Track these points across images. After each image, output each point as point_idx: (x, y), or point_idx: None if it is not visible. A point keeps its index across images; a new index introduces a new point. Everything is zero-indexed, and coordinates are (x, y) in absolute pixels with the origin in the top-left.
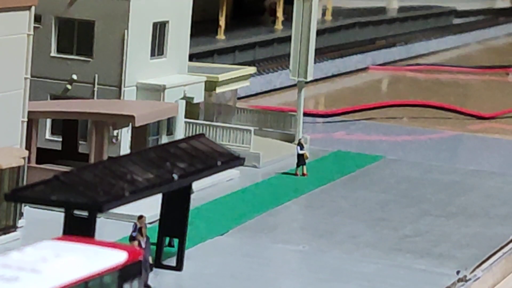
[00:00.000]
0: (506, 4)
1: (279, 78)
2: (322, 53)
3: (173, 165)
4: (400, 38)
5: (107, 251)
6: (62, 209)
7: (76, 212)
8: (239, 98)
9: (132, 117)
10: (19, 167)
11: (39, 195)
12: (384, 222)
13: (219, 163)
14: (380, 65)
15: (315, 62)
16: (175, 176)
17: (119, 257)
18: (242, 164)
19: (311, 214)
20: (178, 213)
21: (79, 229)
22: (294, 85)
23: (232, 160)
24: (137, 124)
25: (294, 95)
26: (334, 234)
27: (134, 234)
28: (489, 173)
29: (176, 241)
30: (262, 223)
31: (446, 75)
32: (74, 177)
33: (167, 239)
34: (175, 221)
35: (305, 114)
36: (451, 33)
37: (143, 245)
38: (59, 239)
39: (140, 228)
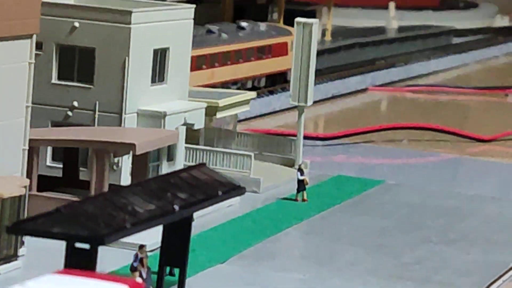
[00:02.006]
0: (505, 23)
1: (278, 101)
2: (322, 74)
3: (174, 195)
4: (400, 59)
5: (109, 284)
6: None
7: (78, 244)
8: (239, 121)
9: (133, 145)
10: (20, 196)
11: (41, 227)
12: (384, 249)
13: (220, 193)
14: (379, 86)
15: (314, 84)
16: (176, 207)
17: None
18: (243, 194)
19: (311, 241)
20: (179, 242)
21: (80, 262)
22: (295, 107)
23: (233, 190)
24: (137, 153)
25: (294, 116)
26: (334, 261)
27: (135, 264)
28: (488, 198)
29: (177, 271)
30: (262, 251)
31: (446, 96)
32: (75, 210)
33: (168, 269)
34: (176, 251)
35: (305, 137)
36: (451, 53)
37: (144, 276)
38: (60, 272)
39: (141, 259)
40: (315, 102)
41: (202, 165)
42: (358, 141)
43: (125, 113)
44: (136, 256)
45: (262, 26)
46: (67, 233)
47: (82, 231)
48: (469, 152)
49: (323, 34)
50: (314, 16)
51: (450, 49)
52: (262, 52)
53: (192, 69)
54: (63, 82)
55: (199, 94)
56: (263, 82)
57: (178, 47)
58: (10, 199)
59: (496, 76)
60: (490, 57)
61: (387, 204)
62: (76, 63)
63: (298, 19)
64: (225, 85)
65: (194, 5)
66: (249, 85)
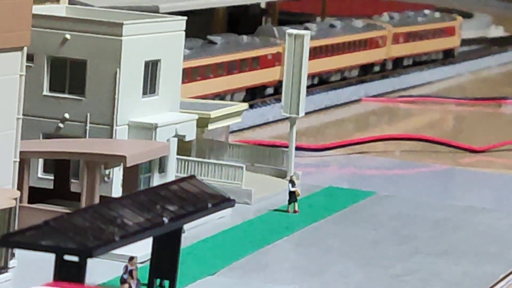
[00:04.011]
0: (499, 33)
1: (271, 111)
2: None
3: (164, 208)
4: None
5: None
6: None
7: (67, 256)
8: (232, 132)
9: (124, 157)
10: (10, 208)
11: (30, 240)
12: (375, 261)
13: (209, 205)
14: (373, 96)
15: (307, 95)
16: (166, 220)
17: None
18: (233, 206)
19: (302, 253)
20: (169, 254)
21: (69, 274)
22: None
23: (223, 202)
24: (128, 165)
25: (287, 127)
26: (325, 273)
27: (125, 276)
28: (480, 210)
29: (167, 283)
30: (253, 262)
31: (439, 107)
32: (64, 222)
33: (158, 281)
34: (166, 263)
35: (298, 148)
36: (444, 63)
37: None
38: (49, 285)
39: (131, 271)
40: (308, 113)
41: (192, 177)
42: (350, 152)
43: (116, 125)
44: (126, 268)
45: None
46: (56, 246)
47: (71, 243)
48: (461, 163)
49: None
50: (306, 27)
51: (444, 60)
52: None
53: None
54: (54, 94)
55: (190, 105)
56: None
57: (169, 59)
58: (0, 212)
59: (490, 87)
60: (484, 67)
61: (378, 215)
62: (68, 75)
63: (289, 30)
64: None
65: (185, 17)
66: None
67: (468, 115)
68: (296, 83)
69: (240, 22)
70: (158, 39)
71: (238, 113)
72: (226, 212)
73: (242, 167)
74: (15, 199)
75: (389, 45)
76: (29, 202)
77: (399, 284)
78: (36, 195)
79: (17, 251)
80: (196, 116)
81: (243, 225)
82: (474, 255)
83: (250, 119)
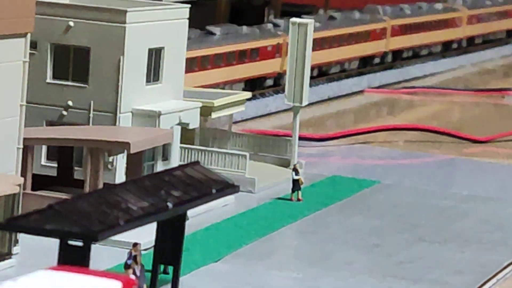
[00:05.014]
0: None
1: (274, 102)
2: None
3: (168, 193)
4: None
5: (102, 281)
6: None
7: (71, 241)
8: (235, 122)
9: (128, 144)
10: (14, 194)
11: (34, 224)
12: (379, 248)
13: (214, 191)
14: (376, 88)
15: (310, 86)
16: (170, 205)
17: (113, 287)
18: (237, 192)
19: (306, 240)
20: (173, 240)
21: (74, 258)
22: (291, 108)
23: (227, 188)
24: (132, 151)
25: (290, 117)
26: (328, 260)
27: (129, 262)
28: (483, 198)
29: (171, 269)
30: (256, 250)
31: (442, 98)
32: (68, 206)
33: (162, 267)
34: (170, 249)
35: (301, 138)
36: (447, 55)
37: (138, 273)
38: (53, 268)
39: (135, 256)
40: (311, 104)
41: (196, 163)
42: (353, 142)
43: (119, 113)
44: (130, 254)
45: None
46: (60, 230)
47: (75, 228)
48: (464, 153)
49: None
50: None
51: (447, 51)
52: None
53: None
54: (58, 82)
55: (194, 94)
56: None
57: (173, 46)
58: (4, 198)
59: (492, 78)
60: (486, 59)
61: (382, 204)
62: (71, 62)
63: (293, 19)
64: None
65: (189, 5)
66: None
67: (471, 106)
68: (300, 72)
69: (243, 13)
70: (161, 26)
71: (241, 102)
72: (230, 200)
73: (245, 156)
74: (19, 185)
75: (464, 26)
76: (32, 189)
77: (403, 271)
78: (40, 182)
79: (20, 238)
80: (200, 104)
81: (246, 213)
82: (478, 243)
83: (253, 109)
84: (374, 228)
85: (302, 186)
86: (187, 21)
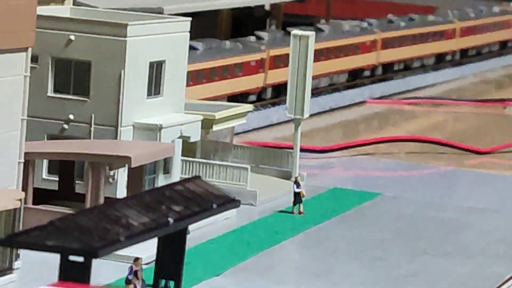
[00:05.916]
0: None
1: (276, 114)
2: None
3: (169, 208)
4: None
5: None
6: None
7: (72, 257)
8: (236, 134)
9: (129, 158)
10: (15, 209)
11: (34, 240)
12: (381, 262)
13: (214, 206)
14: (377, 98)
15: (312, 96)
16: (171, 220)
17: None
18: (238, 207)
19: (308, 254)
20: (174, 255)
21: (74, 274)
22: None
23: (228, 202)
24: (133, 165)
25: (291, 129)
26: (330, 274)
27: (130, 277)
28: (485, 210)
29: (172, 283)
30: (258, 263)
31: (443, 109)
32: (69, 222)
33: (163, 281)
34: (171, 263)
35: (302, 150)
36: (449, 65)
37: None
38: (54, 285)
39: (136, 271)
40: (313, 114)
41: (197, 177)
42: (355, 153)
43: (121, 126)
44: (131, 268)
45: None
46: (60, 246)
47: (76, 244)
48: (466, 164)
49: None
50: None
51: (448, 62)
52: None
53: None
54: (59, 95)
55: (195, 107)
56: None
57: (174, 60)
58: (5, 212)
59: (494, 89)
60: (487, 70)
61: (384, 216)
62: (72, 76)
63: (294, 31)
64: None
65: (190, 18)
66: None
67: (472, 117)
68: (301, 84)
69: (245, 24)
70: (162, 40)
71: (242, 114)
72: (231, 213)
73: (247, 169)
74: (20, 200)
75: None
76: (33, 204)
77: (405, 284)
78: (41, 196)
79: (21, 253)
80: (201, 117)
81: (248, 226)
82: (480, 256)
83: (254, 121)
84: (376, 241)
85: (303, 199)
86: (188, 34)
